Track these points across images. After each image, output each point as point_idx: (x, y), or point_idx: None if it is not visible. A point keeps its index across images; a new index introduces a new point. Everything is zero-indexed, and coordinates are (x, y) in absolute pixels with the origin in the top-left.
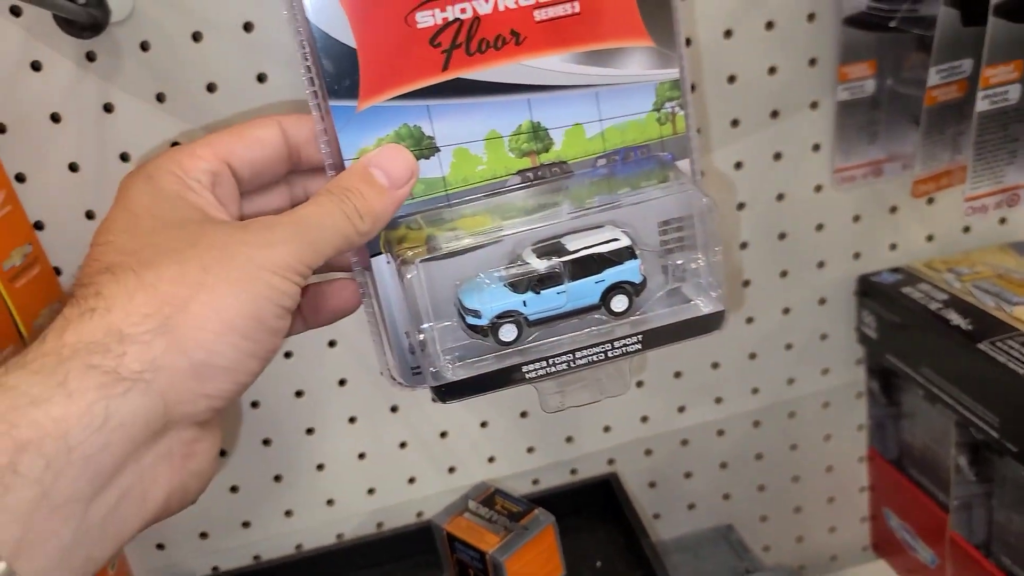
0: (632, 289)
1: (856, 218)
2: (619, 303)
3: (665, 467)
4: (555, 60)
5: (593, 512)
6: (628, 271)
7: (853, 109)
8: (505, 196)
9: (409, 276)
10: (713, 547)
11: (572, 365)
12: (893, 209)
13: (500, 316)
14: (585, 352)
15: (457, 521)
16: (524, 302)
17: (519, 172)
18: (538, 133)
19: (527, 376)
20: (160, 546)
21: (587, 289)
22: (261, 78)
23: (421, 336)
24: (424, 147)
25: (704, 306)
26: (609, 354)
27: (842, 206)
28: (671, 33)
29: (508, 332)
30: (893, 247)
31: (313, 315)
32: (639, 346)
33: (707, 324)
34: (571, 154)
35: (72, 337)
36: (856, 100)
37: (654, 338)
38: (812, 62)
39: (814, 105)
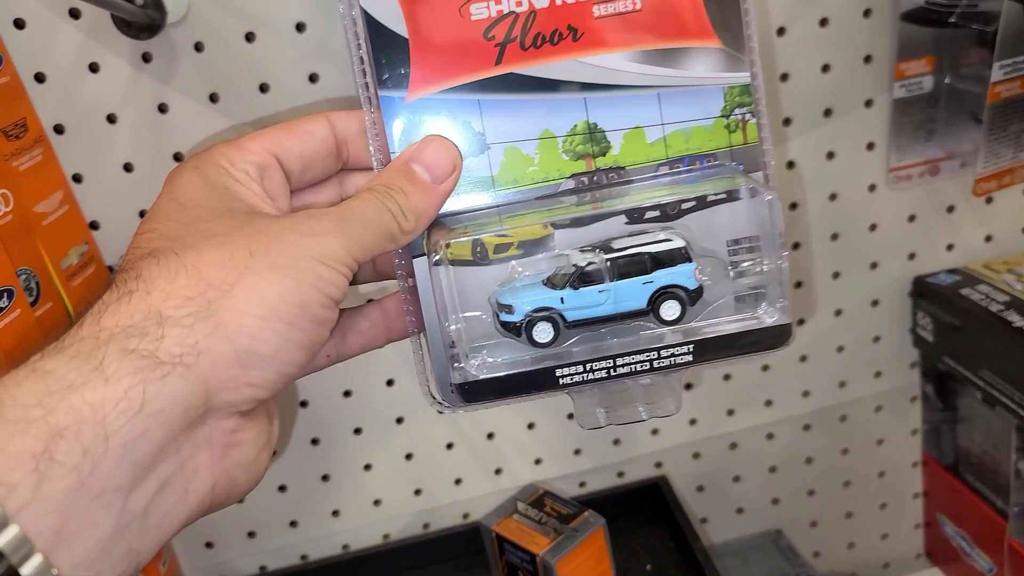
0: (685, 295)
1: (911, 218)
2: (669, 310)
3: (713, 471)
4: (615, 58)
5: (642, 515)
6: (681, 274)
7: (910, 106)
8: (557, 201)
9: (436, 266)
10: (762, 552)
11: (612, 373)
12: (950, 208)
13: (534, 313)
14: (627, 359)
15: (506, 523)
16: (562, 299)
17: (573, 176)
18: (594, 135)
19: (561, 381)
20: (209, 544)
21: (633, 291)
22: (313, 78)
23: (453, 328)
24: (474, 144)
25: (767, 317)
26: (655, 364)
27: (897, 206)
28: (741, 34)
29: (543, 331)
30: (950, 248)
31: (341, 341)
32: (689, 357)
33: (769, 338)
34: (630, 159)
35: (110, 320)
36: (913, 97)
37: (707, 350)
38: (867, 59)
39: (869, 103)
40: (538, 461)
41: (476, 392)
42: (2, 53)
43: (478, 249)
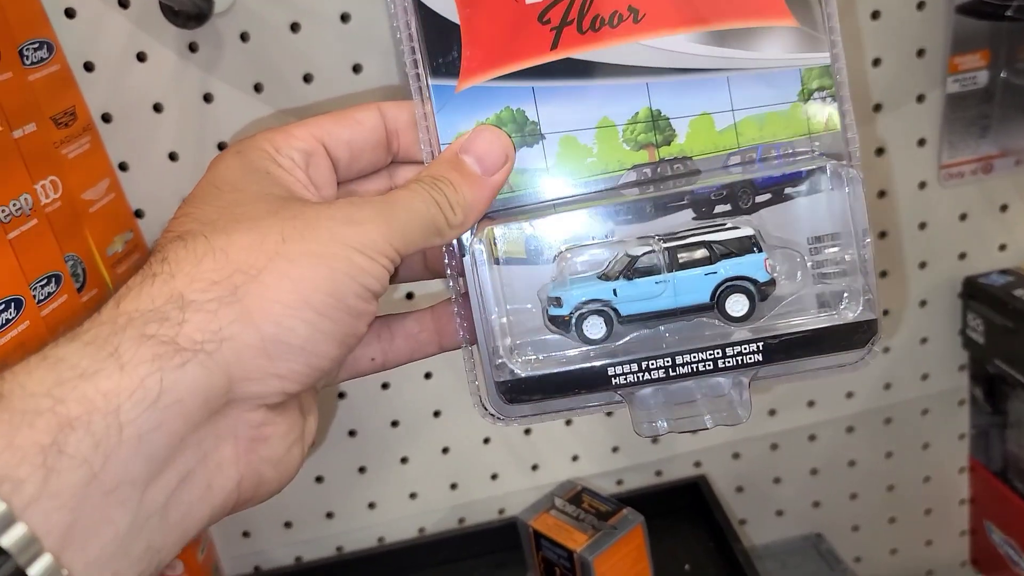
0: (754, 288)
1: (963, 216)
2: (736, 304)
3: (753, 472)
4: (679, 40)
5: (680, 515)
6: (749, 265)
7: (963, 102)
8: (618, 195)
9: (486, 265)
10: (802, 556)
11: (671, 373)
12: (1003, 207)
13: (584, 305)
14: (688, 357)
15: (544, 518)
16: (615, 291)
17: (634, 167)
18: (658, 122)
19: (613, 380)
20: (246, 534)
21: (694, 283)
22: (356, 69)
23: (496, 321)
24: (527, 133)
25: (848, 312)
26: (719, 363)
27: (948, 204)
28: (818, 11)
29: (594, 326)
30: (1002, 248)
31: (389, 345)
32: (759, 357)
33: (852, 336)
34: (697, 149)
35: (130, 305)
36: (967, 92)
37: (780, 349)
38: (920, 53)
39: (920, 98)
40: (575, 458)
41: (520, 391)
42: (53, 42)
43: (532, 246)
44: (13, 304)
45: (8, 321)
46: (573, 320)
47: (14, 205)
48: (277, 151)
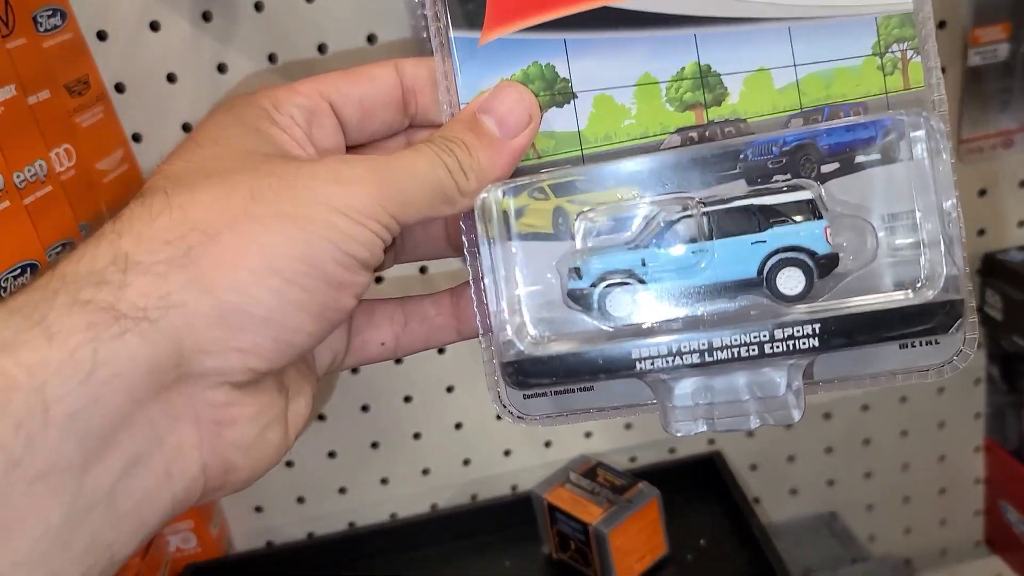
0: (811, 262)
1: (982, 192)
2: (789, 280)
3: (767, 449)
4: None
5: (695, 490)
6: (806, 234)
7: (984, 75)
8: (661, 161)
9: (505, 241)
10: (816, 534)
11: (707, 358)
12: (1023, 183)
13: (607, 276)
14: (728, 339)
15: (559, 492)
16: (643, 260)
17: (679, 130)
18: (707, 79)
19: (638, 365)
20: (258, 508)
21: (738, 252)
22: (371, 39)
23: (507, 294)
24: (557, 92)
25: (927, 290)
26: (767, 348)
27: (966, 179)
28: None
29: (618, 301)
30: (1021, 224)
31: (402, 329)
32: (815, 342)
33: (931, 317)
34: (752, 109)
35: (70, 267)
36: (988, 65)
37: (841, 332)
38: (941, 24)
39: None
40: (588, 435)
41: (529, 373)
42: (66, 10)
43: (559, 220)
44: (29, 269)
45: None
46: (594, 295)
47: (29, 171)
48: (276, 107)
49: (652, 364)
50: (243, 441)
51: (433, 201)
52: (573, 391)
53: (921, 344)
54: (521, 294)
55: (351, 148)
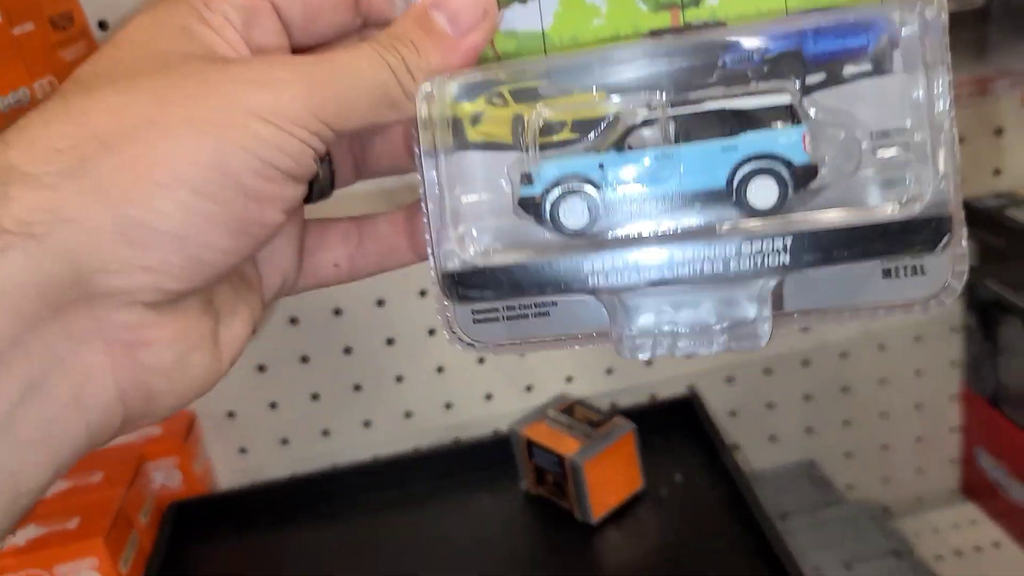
0: (787, 172)
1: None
2: (760, 192)
3: (746, 396)
4: None
5: (673, 431)
6: (782, 141)
7: (959, 22)
8: (630, 66)
9: (454, 151)
10: (794, 482)
11: (667, 274)
12: (998, 131)
13: (561, 182)
14: (690, 254)
15: (536, 427)
16: (601, 165)
17: (652, 33)
18: None
19: (591, 281)
20: (243, 450)
21: (706, 159)
22: None
23: (449, 199)
24: None
25: (912, 204)
26: (733, 264)
27: None
28: None
29: (573, 210)
30: (997, 172)
31: (356, 248)
32: (785, 258)
33: (913, 235)
34: (733, 12)
35: None
36: (963, 12)
37: (813, 247)
38: None
39: None
40: (569, 379)
41: (470, 285)
42: None
43: (520, 128)
44: None
45: None
46: (547, 202)
47: (12, 96)
48: (207, 6)
49: (606, 280)
50: (162, 365)
51: (376, 106)
52: (527, 316)
53: (906, 273)
54: (468, 201)
55: (298, 52)
